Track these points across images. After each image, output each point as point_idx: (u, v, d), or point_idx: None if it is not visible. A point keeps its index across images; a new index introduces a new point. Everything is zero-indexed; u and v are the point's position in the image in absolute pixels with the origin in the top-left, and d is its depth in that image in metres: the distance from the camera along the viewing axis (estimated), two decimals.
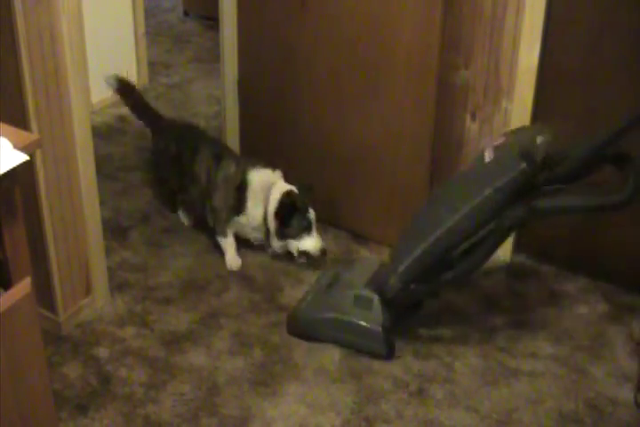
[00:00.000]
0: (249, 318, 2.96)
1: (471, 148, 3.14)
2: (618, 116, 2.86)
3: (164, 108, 4.16)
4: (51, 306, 2.82)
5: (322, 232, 3.25)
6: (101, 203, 2.94)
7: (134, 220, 3.48)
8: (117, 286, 3.08)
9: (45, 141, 2.55)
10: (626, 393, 2.68)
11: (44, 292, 2.76)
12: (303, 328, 2.88)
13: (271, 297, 3.06)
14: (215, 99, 4.33)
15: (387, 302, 2.75)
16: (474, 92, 3.05)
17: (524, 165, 2.46)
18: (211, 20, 5.03)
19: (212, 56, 4.56)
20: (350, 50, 3.09)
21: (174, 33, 5.23)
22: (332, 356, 2.81)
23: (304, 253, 3.16)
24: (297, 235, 3.12)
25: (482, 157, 2.62)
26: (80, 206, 2.78)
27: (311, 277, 3.16)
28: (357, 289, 2.81)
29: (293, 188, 3.14)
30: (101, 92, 4.23)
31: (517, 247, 3.25)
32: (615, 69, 2.82)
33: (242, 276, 3.18)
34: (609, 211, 2.60)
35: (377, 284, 2.78)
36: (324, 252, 3.15)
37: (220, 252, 3.28)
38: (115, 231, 3.38)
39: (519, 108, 2.97)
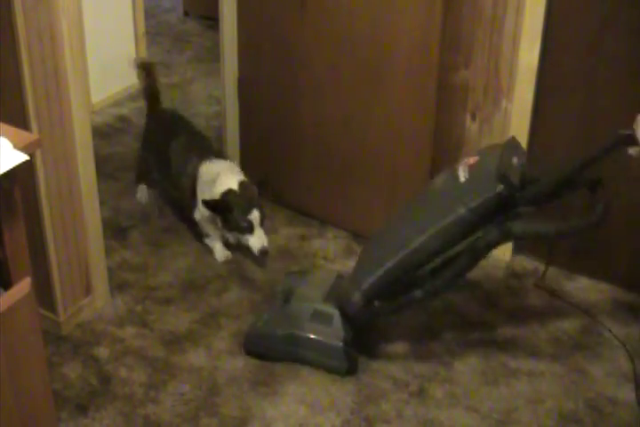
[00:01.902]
0: (249, 318, 2.96)
1: (471, 148, 3.15)
2: (618, 116, 2.87)
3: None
4: (51, 306, 2.82)
5: (319, 232, 3.25)
6: (101, 203, 2.94)
7: (134, 220, 3.48)
8: (117, 286, 3.08)
9: (45, 141, 2.55)
10: (626, 393, 2.68)
11: (44, 292, 2.76)
12: (261, 347, 2.78)
13: (271, 297, 3.06)
14: (215, 99, 4.33)
15: (348, 318, 2.67)
16: (474, 92, 3.05)
17: (500, 186, 2.38)
18: (211, 20, 5.03)
19: (212, 56, 4.56)
20: (350, 50, 3.09)
21: (174, 33, 5.23)
22: None
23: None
24: (238, 231, 3.09)
25: (455, 175, 2.54)
26: (80, 206, 2.78)
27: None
28: (316, 304, 2.72)
29: (236, 182, 3.08)
30: (101, 92, 4.24)
31: (517, 247, 3.25)
32: (615, 69, 2.82)
33: (242, 276, 3.18)
34: (580, 233, 2.54)
35: (338, 299, 2.70)
36: (264, 252, 3.08)
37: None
38: (115, 231, 3.38)
39: (519, 108, 2.97)
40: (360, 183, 3.30)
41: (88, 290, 2.93)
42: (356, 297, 2.60)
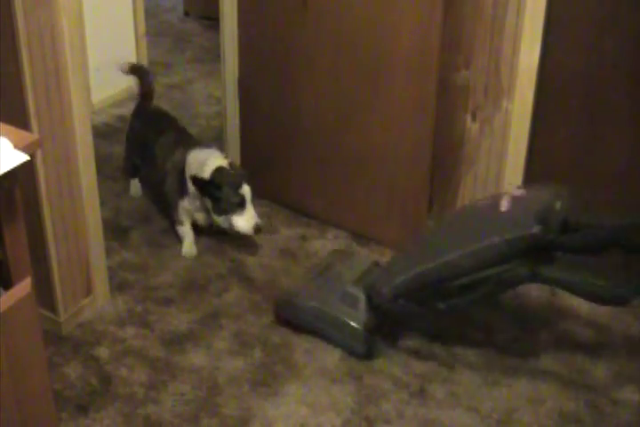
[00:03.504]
0: (249, 318, 2.96)
1: (472, 147, 3.15)
2: (618, 116, 2.87)
3: (164, 109, 4.16)
4: (51, 306, 2.82)
5: (319, 232, 3.25)
6: (101, 203, 2.94)
7: (134, 220, 3.48)
8: (117, 286, 3.08)
9: (45, 141, 2.55)
10: (626, 393, 2.68)
11: (44, 292, 2.76)
12: (289, 313, 2.90)
13: (271, 297, 3.06)
14: (215, 99, 4.33)
15: (373, 307, 2.75)
16: (474, 93, 3.05)
17: (537, 228, 2.42)
18: (211, 19, 5.02)
19: (212, 56, 4.56)
20: (351, 50, 3.09)
21: (174, 33, 5.22)
22: (332, 356, 2.81)
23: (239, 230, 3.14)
24: (230, 210, 3.10)
25: (497, 203, 2.60)
26: (80, 206, 2.78)
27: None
28: (347, 285, 2.83)
29: (225, 162, 3.14)
30: (101, 92, 4.24)
31: None
32: (615, 69, 2.82)
33: (242, 276, 3.18)
34: (609, 304, 2.62)
35: (368, 286, 2.78)
36: (258, 229, 3.12)
37: (219, 251, 3.28)
38: (115, 231, 3.38)
39: (519, 108, 2.97)
40: (360, 183, 3.30)
41: (88, 290, 2.93)
42: (385, 290, 2.68)
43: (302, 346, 2.85)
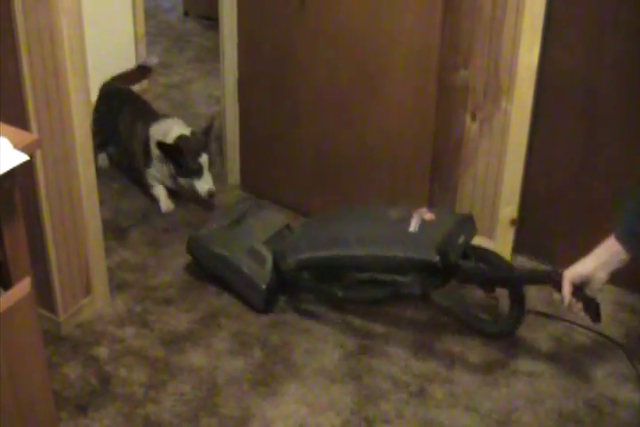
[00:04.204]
0: (249, 318, 2.96)
1: (471, 148, 3.15)
2: (618, 116, 2.87)
3: (164, 109, 4.17)
4: (51, 306, 2.82)
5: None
6: (101, 203, 2.94)
7: (134, 220, 3.48)
8: (117, 286, 3.08)
9: (45, 141, 2.55)
10: (626, 393, 2.68)
11: (44, 292, 2.76)
12: (197, 253, 3.08)
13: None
14: (215, 99, 4.33)
15: (277, 270, 2.92)
16: (474, 92, 3.05)
17: (437, 258, 2.61)
18: (211, 20, 5.02)
19: (212, 56, 4.56)
20: (350, 50, 3.09)
21: (174, 33, 5.22)
22: (331, 356, 2.81)
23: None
24: (190, 175, 3.39)
25: (408, 221, 2.76)
26: (80, 206, 2.78)
27: None
28: (257, 242, 3.01)
29: (187, 131, 3.43)
30: None
31: (517, 247, 3.25)
32: (615, 70, 2.82)
33: None
34: (483, 336, 2.84)
35: (276, 251, 2.94)
36: (211, 194, 3.40)
37: None
38: (115, 231, 3.38)
39: (519, 108, 2.97)
40: (360, 183, 3.30)
41: (88, 290, 2.93)
42: (291, 260, 2.86)
43: (302, 346, 2.85)
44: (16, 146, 1.92)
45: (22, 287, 1.89)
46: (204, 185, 3.39)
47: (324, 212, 3.27)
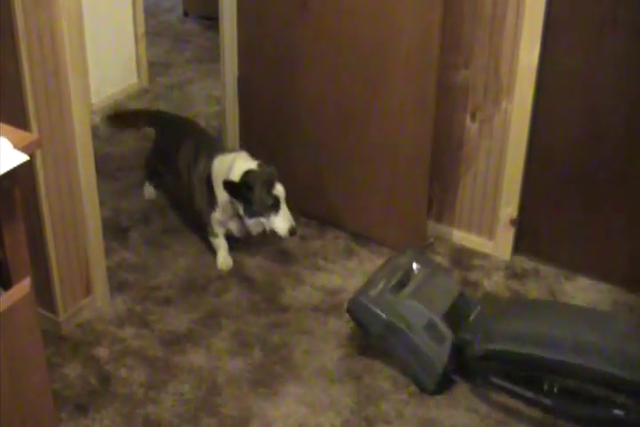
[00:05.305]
0: (249, 319, 2.96)
1: (471, 147, 3.15)
2: (618, 116, 2.87)
3: (164, 109, 4.16)
4: (51, 306, 2.82)
5: (319, 232, 3.25)
6: (101, 203, 2.94)
7: (134, 220, 3.48)
8: (117, 286, 3.08)
9: (45, 141, 2.55)
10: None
11: (43, 292, 2.76)
12: (361, 316, 2.73)
13: (271, 297, 3.06)
14: (215, 99, 4.33)
15: (457, 352, 2.64)
16: (474, 92, 3.05)
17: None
18: (211, 20, 5.02)
19: (212, 56, 4.56)
20: (350, 49, 3.09)
21: (174, 33, 5.22)
22: (331, 356, 2.81)
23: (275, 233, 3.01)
24: (264, 212, 2.97)
25: (608, 322, 2.58)
26: (80, 206, 2.78)
27: (311, 277, 3.16)
28: (435, 316, 2.67)
29: (254, 164, 2.99)
30: (101, 92, 4.24)
31: (517, 247, 3.25)
32: (615, 69, 2.82)
33: (242, 276, 3.18)
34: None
35: (460, 335, 2.65)
36: (293, 232, 2.98)
37: None
38: (115, 231, 3.38)
39: (519, 108, 2.97)
40: (360, 183, 3.30)
41: (88, 290, 2.93)
42: (480, 349, 2.56)
43: (302, 346, 2.85)
44: (16, 146, 1.92)
45: (22, 287, 1.89)
46: (283, 223, 2.96)
47: (518, 296, 3.00)
